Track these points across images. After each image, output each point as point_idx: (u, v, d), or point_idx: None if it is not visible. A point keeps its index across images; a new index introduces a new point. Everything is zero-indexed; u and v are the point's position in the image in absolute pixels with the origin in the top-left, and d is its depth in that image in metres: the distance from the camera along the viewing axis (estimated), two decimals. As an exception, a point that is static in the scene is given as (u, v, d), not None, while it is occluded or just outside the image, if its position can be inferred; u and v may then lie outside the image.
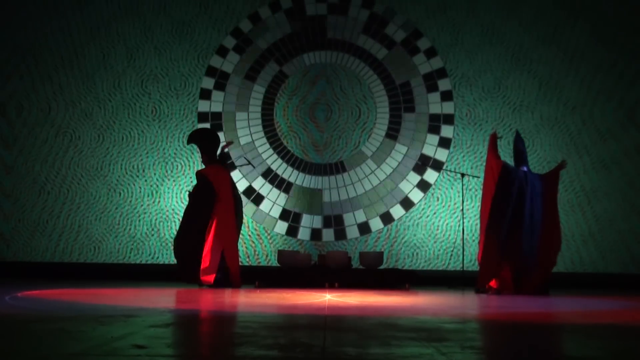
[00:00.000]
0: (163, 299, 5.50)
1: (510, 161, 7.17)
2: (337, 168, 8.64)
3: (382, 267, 7.96)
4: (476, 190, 8.46)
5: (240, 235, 8.54)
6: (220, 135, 8.62)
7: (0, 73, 8.77)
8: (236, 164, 8.56)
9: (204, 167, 7.51)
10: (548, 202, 6.84)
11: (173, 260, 7.51)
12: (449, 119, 8.64)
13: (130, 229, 8.47)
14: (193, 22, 8.80)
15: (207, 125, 8.64)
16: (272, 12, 8.82)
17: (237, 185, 8.56)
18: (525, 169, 6.95)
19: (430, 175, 8.56)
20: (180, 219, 7.46)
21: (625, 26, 8.67)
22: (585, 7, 8.71)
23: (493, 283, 6.86)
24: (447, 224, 8.47)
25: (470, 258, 8.33)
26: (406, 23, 8.75)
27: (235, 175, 8.56)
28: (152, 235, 8.45)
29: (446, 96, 8.66)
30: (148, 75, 8.73)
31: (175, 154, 8.59)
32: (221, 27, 8.80)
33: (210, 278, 6.99)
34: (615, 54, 8.63)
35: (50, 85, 8.73)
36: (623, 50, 8.64)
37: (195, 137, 7.50)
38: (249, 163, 8.44)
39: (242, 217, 7.57)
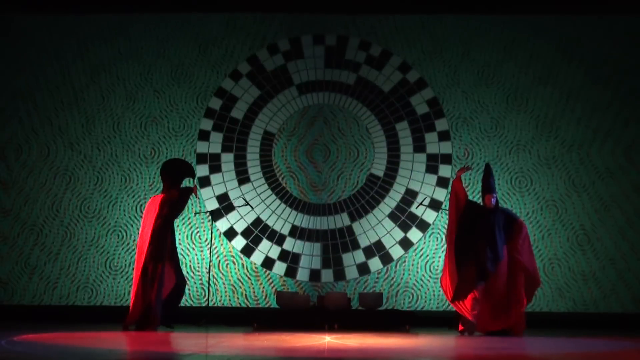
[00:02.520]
0: (158, 342, 5.45)
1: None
2: (336, 208, 8.64)
3: (381, 308, 7.90)
4: (475, 229, 8.44)
5: (239, 276, 8.51)
6: (217, 176, 8.65)
7: (-1, 115, 8.84)
8: (234, 204, 8.56)
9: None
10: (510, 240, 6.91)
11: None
12: (446, 159, 8.67)
13: (129, 271, 8.41)
14: (192, 65, 8.88)
15: (205, 167, 8.67)
16: (269, 55, 8.92)
17: (236, 225, 8.56)
18: (494, 200, 7.01)
19: (429, 215, 8.56)
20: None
21: (619, 66, 8.78)
22: (579, 48, 8.82)
23: (467, 315, 6.78)
24: (446, 264, 8.42)
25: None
26: (403, 64, 8.84)
27: (234, 215, 8.55)
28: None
29: (444, 136, 8.71)
30: (147, 117, 8.78)
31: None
32: (220, 69, 8.88)
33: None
34: (610, 94, 8.72)
35: (49, 128, 8.75)
36: (618, 91, 8.72)
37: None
38: (247, 204, 8.44)
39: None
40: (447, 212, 8.47)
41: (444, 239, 8.43)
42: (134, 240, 8.40)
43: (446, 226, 7.69)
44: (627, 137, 8.65)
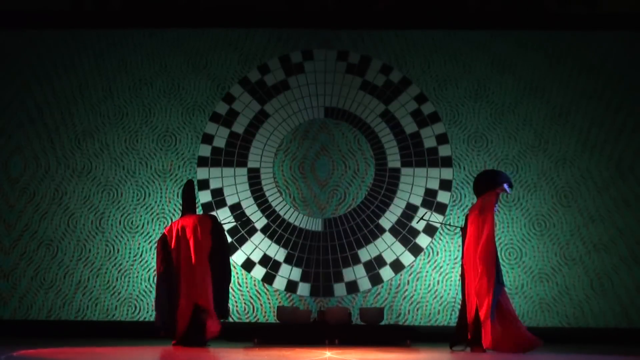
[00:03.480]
0: (156, 357, 5.42)
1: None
2: (336, 223, 8.62)
3: (382, 323, 7.87)
4: (476, 244, 8.41)
5: (240, 291, 8.50)
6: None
7: (4, 128, 8.81)
8: (234, 219, 8.54)
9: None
10: None
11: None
12: (447, 182, 8.68)
13: (127, 286, 8.40)
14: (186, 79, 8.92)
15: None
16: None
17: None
18: None
19: (430, 229, 8.54)
20: None
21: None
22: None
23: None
24: (447, 279, 8.40)
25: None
26: (403, 79, 8.86)
27: (234, 231, 8.53)
28: (150, 292, 8.35)
29: (444, 151, 8.73)
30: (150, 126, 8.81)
31: (174, 211, 8.59)
32: (219, 84, 8.91)
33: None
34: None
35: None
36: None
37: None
38: (247, 218, 8.43)
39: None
40: (447, 226, 8.45)
41: (444, 253, 8.42)
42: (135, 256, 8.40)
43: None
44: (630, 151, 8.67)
